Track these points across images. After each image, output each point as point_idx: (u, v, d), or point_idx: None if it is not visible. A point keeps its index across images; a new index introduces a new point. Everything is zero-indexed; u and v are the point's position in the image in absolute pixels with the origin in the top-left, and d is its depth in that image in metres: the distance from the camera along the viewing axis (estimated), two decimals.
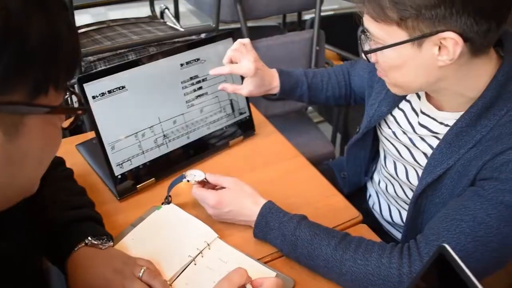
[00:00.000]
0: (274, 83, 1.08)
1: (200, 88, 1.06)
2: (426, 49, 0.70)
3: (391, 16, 0.69)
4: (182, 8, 2.31)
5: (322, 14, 1.84)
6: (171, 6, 2.10)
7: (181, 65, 1.01)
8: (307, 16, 2.42)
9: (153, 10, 1.92)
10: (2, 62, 0.38)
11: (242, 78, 1.05)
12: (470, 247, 0.69)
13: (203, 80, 1.06)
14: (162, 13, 1.96)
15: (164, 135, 1.00)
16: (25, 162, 0.46)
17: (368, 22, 0.75)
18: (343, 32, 1.92)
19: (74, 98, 0.60)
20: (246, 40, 1.02)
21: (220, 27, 1.66)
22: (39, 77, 0.43)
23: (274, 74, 1.08)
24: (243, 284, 0.68)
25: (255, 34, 1.74)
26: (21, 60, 0.40)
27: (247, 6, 1.67)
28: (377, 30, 0.73)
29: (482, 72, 0.74)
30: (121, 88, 0.92)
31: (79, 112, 0.53)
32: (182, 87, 1.02)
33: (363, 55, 0.81)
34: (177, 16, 2.09)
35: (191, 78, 1.04)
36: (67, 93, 0.53)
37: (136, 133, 0.96)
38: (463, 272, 0.51)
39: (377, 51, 0.76)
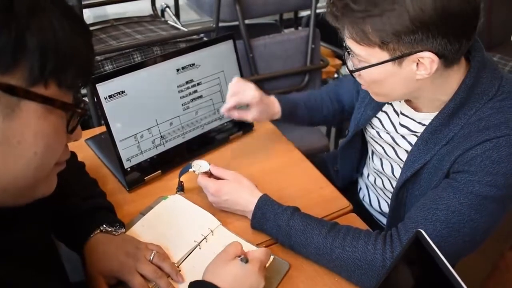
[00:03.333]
0: (275, 108, 1.13)
1: (195, 91, 1.11)
2: (405, 66, 0.78)
3: (373, 40, 0.75)
4: (180, 1, 2.32)
5: (318, 11, 1.86)
6: (170, 2, 2.13)
7: (177, 70, 1.07)
8: (303, 13, 2.48)
9: (154, 9, 1.96)
10: (1, 41, 0.43)
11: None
12: (445, 233, 0.77)
13: (198, 84, 1.11)
14: (163, 11, 2.01)
15: (161, 136, 1.07)
16: (19, 147, 0.48)
17: (350, 43, 0.80)
18: (338, 30, 1.98)
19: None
20: (239, 78, 1.08)
21: (219, 25, 1.71)
22: (36, 68, 0.46)
23: (274, 100, 1.13)
24: (238, 254, 0.77)
25: (253, 31, 1.79)
26: (17, 48, 0.44)
27: (246, 6, 1.73)
28: (359, 51, 0.79)
29: (454, 79, 0.82)
30: (121, 92, 0.98)
31: (78, 111, 0.53)
32: (179, 91, 1.08)
33: (347, 70, 0.88)
34: (177, 13, 2.14)
35: (187, 82, 1.09)
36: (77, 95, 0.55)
37: (136, 134, 1.01)
38: (435, 253, 0.59)
39: (361, 70, 0.82)
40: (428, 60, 0.75)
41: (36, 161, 0.51)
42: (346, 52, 0.85)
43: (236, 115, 1.07)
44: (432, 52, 0.74)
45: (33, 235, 0.64)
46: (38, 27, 0.46)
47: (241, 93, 1.05)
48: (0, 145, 0.46)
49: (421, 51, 0.74)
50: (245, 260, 0.75)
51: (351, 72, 0.86)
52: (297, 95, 1.21)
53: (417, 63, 0.76)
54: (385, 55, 0.77)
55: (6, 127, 0.46)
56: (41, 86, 0.47)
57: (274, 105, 1.13)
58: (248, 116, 1.07)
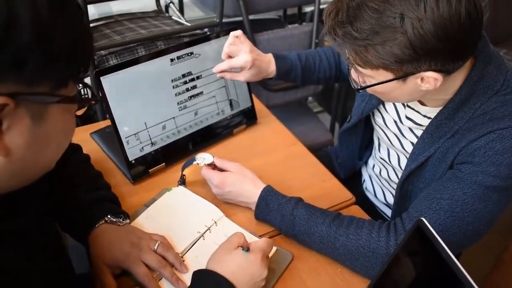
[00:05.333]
0: (270, 68, 1.13)
1: (194, 87, 1.07)
2: (409, 82, 0.78)
3: (376, 64, 0.75)
4: None
5: (322, 7, 1.86)
6: None
7: (171, 60, 1.01)
8: (307, 9, 2.48)
9: (158, 5, 1.97)
10: (33, 61, 0.44)
11: None
12: (449, 222, 0.78)
13: (198, 77, 1.07)
14: (167, 7, 2.02)
15: (152, 143, 1.03)
16: (48, 144, 0.52)
17: (353, 63, 0.79)
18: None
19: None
20: (239, 32, 1.07)
21: (223, 21, 1.72)
22: (63, 73, 0.48)
23: (271, 59, 1.13)
24: (241, 244, 0.78)
25: (256, 27, 1.79)
26: (48, 59, 0.46)
27: (249, 1, 1.72)
28: (363, 70, 0.79)
29: (458, 78, 0.82)
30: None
31: (93, 102, 0.58)
32: (173, 86, 1.03)
33: (352, 86, 0.88)
34: (181, 9, 2.14)
35: (183, 76, 1.04)
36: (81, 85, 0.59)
37: (137, 133, 1.01)
38: (436, 241, 0.60)
39: (366, 88, 0.83)
40: (431, 79, 0.75)
41: (59, 151, 0.55)
42: (348, 66, 0.85)
43: (229, 76, 1.07)
44: (435, 71, 0.74)
45: (36, 224, 0.65)
46: (64, 33, 0.47)
47: (234, 56, 1.05)
48: (31, 146, 0.49)
49: (425, 71, 0.74)
50: (246, 249, 0.76)
51: (357, 90, 0.86)
52: (294, 54, 1.20)
53: (421, 78, 0.76)
54: (389, 75, 0.77)
55: (37, 131, 0.49)
56: (64, 87, 0.50)
57: (269, 65, 1.13)
58: (241, 77, 1.08)
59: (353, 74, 0.85)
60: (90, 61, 0.56)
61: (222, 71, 1.07)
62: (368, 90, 0.85)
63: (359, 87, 0.85)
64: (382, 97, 0.88)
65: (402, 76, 0.76)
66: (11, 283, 0.52)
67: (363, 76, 0.82)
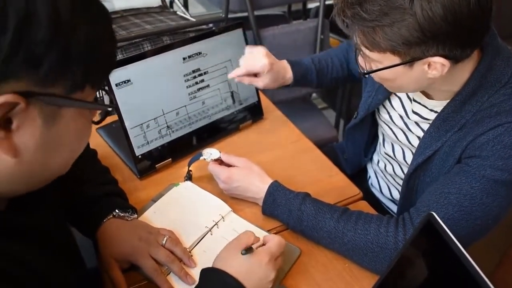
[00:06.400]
0: (287, 75, 1.13)
1: (202, 81, 1.12)
2: (416, 68, 0.77)
3: (384, 47, 0.75)
4: None
5: (327, 3, 1.86)
6: None
7: (184, 59, 1.07)
8: (311, 5, 2.47)
9: (163, 0, 1.96)
10: (49, 60, 0.43)
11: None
12: (457, 216, 0.78)
13: (205, 73, 1.11)
14: (171, 2, 2.01)
15: (168, 126, 1.07)
16: (59, 148, 0.50)
17: (361, 46, 0.79)
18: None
19: None
20: (250, 48, 1.08)
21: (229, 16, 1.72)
22: (79, 76, 0.47)
23: (286, 66, 1.13)
24: (250, 243, 0.76)
25: (261, 23, 1.78)
26: (65, 59, 0.44)
27: None
28: (370, 54, 0.79)
29: (466, 68, 0.81)
30: (126, 81, 0.98)
31: (110, 109, 0.56)
32: (185, 80, 1.08)
33: (359, 71, 0.88)
34: (186, 4, 2.14)
35: (193, 71, 1.09)
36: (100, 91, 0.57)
37: (141, 124, 1.02)
38: (447, 236, 0.59)
39: (372, 73, 0.83)
40: (439, 64, 0.75)
41: (72, 156, 0.54)
42: (356, 51, 0.84)
43: (247, 80, 1.07)
44: (443, 56, 0.74)
45: (48, 219, 0.65)
46: (84, 34, 0.46)
47: (251, 60, 1.05)
48: (41, 149, 0.48)
49: (432, 56, 0.74)
50: (250, 250, 0.74)
51: (363, 74, 0.86)
52: (308, 59, 1.20)
53: (428, 64, 0.76)
54: (396, 59, 0.77)
55: (48, 133, 0.47)
56: (79, 91, 0.48)
57: (286, 71, 1.13)
58: (259, 83, 1.07)
59: (360, 60, 0.86)
60: (111, 67, 0.54)
61: (240, 76, 1.06)
62: (374, 76, 0.85)
63: (365, 72, 0.84)
64: (389, 85, 0.88)
65: (409, 61, 0.76)
66: (25, 276, 0.52)
67: (370, 61, 0.82)
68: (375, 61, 0.80)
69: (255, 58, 1.05)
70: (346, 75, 1.24)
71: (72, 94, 0.47)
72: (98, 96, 0.58)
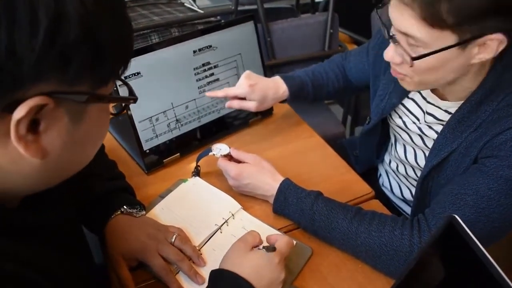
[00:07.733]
0: (280, 91, 1.10)
1: (212, 74, 1.10)
2: (468, 50, 0.72)
3: (447, 21, 0.68)
4: None
5: None
6: None
7: (194, 52, 1.05)
8: None
9: None
10: (78, 59, 0.42)
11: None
12: (474, 218, 0.75)
13: (215, 66, 1.09)
14: None
15: (177, 120, 1.05)
16: (84, 144, 0.50)
17: (413, 28, 0.72)
18: (357, 15, 1.95)
19: None
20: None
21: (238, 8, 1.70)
22: (107, 70, 0.46)
23: (277, 82, 1.10)
24: (256, 244, 0.75)
25: (270, 16, 1.77)
26: (94, 57, 0.43)
27: None
28: (423, 33, 0.71)
29: (486, 65, 0.78)
30: (136, 74, 0.96)
31: (131, 101, 0.56)
32: (195, 73, 1.07)
33: (388, 57, 0.81)
34: None
35: (203, 65, 1.07)
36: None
37: (151, 117, 1.00)
38: (470, 238, 0.57)
39: (425, 57, 0.74)
40: (496, 42, 0.70)
41: (95, 150, 0.54)
42: (391, 41, 0.79)
43: (236, 105, 1.06)
44: (504, 34, 0.69)
45: (60, 216, 0.64)
46: (111, 31, 0.45)
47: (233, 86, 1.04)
48: (68, 147, 0.47)
49: (493, 32, 0.69)
50: (272, 248, 0.73)
51: (415, 59, 0.75)
52: (302, 72, 1.17)
53: (481, 45, 0.71)
54: (453, 39, 0.71)
55: (74, 131, 0.47)
56: (104, 86, 0.48)
57: (278, 87, 1.10)
58: (249, 105, 1.06)
59: (393, 51, 0.80)
60: (131, 57, 0.53)
61: (231, 100, 1.06)
62: (418, 64, 0.77)
63: (418, 56, 0.75)
64: (426, 77, 0.80)
65: (467, 40, 0.69)
66: (38, 277, 0.50)
67: (415, 48, 0.75)
68: (422, 46, 0.73)
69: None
70: (342, 87, 1.21)
71: (98, 90, 0.47)
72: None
